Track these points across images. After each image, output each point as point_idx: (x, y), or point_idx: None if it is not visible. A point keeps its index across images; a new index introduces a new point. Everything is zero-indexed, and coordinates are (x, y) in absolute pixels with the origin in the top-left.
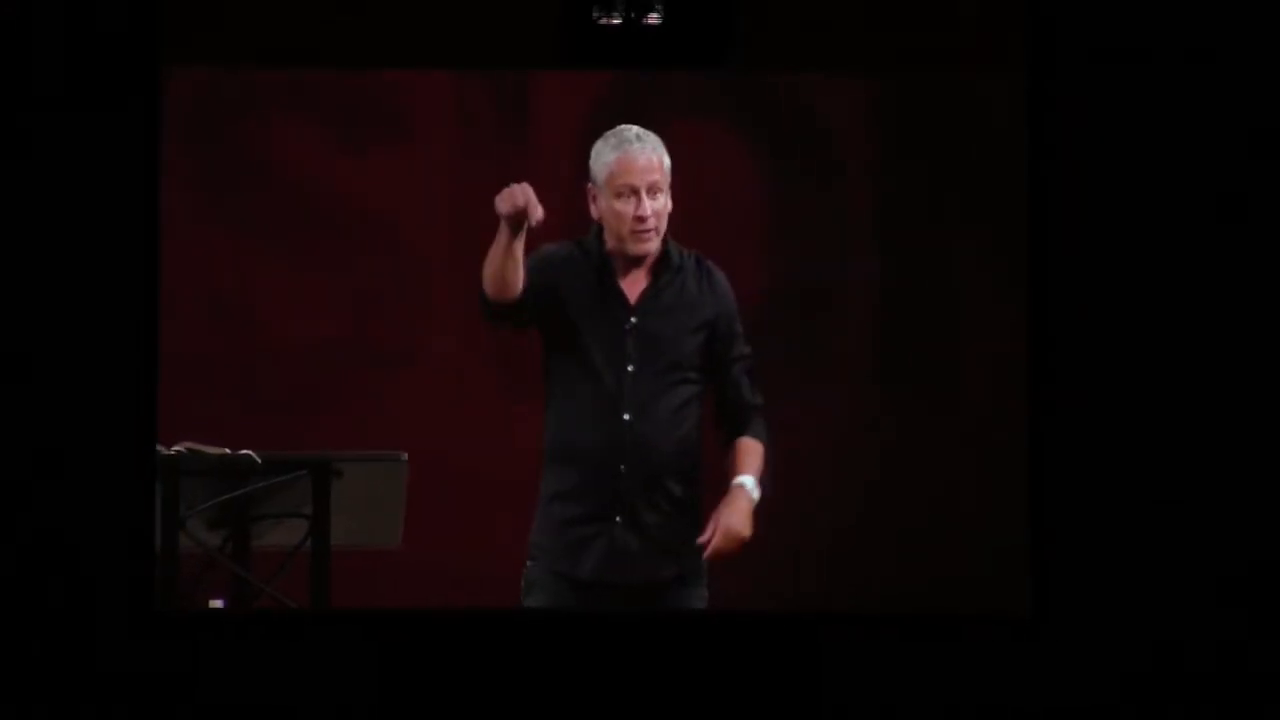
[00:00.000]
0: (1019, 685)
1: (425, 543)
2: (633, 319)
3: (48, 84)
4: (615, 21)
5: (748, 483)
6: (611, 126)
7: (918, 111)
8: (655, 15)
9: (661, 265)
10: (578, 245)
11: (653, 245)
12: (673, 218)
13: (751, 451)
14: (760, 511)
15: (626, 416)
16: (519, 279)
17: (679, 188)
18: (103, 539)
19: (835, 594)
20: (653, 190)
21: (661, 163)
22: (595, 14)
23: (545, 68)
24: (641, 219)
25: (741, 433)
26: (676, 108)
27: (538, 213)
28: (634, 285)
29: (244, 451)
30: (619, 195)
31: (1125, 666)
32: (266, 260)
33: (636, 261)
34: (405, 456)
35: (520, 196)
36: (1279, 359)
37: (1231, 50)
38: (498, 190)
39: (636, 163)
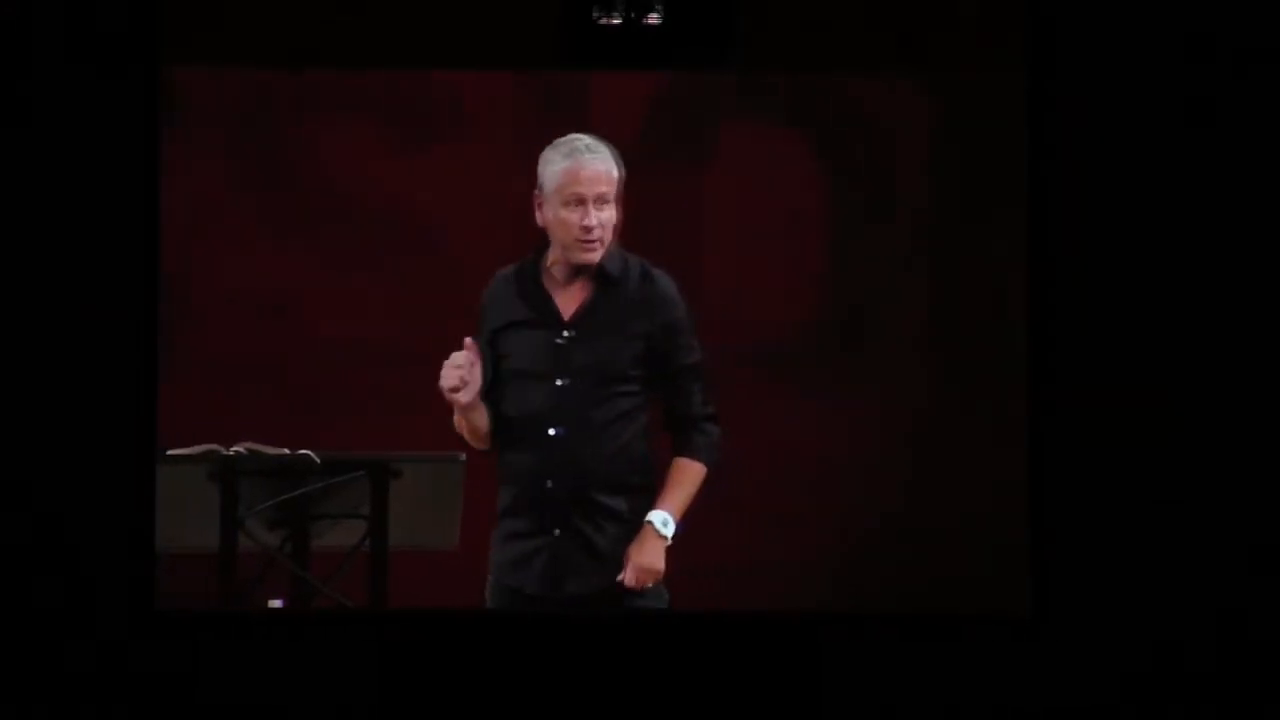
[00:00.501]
0: (1019, 685)
1: (471, 544)
2: (565, 333)
3: (47, 82)
4: (615, 21)
5: (657, 519)
6: (667, 128)
7: (972, 113)
8: (655, 15)
9: (600, 278)
10: (520, 265)
11: (596, 256)
12: (720, 215)
13: (681, 478)
14: (761, 512)
15: (552, 431)
16: (487, 427)
17: (732, 186)
18: (103, 539)
19: (835, 594)
20: (600, 201)
21: (610, 174)
22: (595, 14)
23: (545, 68)
24: (587, 229)
25: (681, 450)
26: (729, 109)
27: (472, 390)
28: (572, 299)
29: (303, 451)
30: (566, 204)
31: (1125, 666)
32: (319, 261)
33: (577, 274)
34: (463, 457)
35: (454, 375)
36: (1278, 359)
37: (1231, 49)
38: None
39: (585, 172)
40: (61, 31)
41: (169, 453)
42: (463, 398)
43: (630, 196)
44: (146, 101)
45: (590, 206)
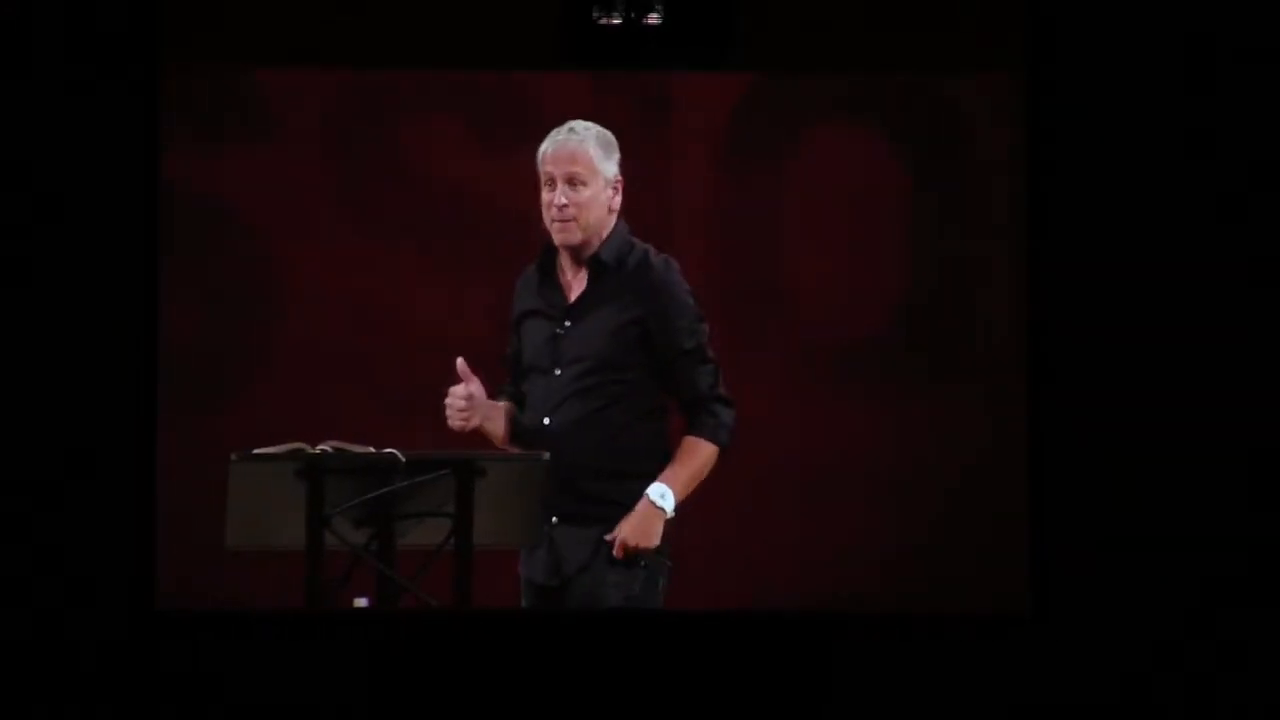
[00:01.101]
0: (1019, 685)
1: None
2: (566, 322)
3: (47, 82)
4: (615, 21)
5: (654, 492)
6: (751, 127)
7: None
8: (655, 15)
9: (595, 266)
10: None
11: (572, 236)
12: (807, 216)
13: (684, 454)
14: (763, 510)
15: (546, 420)
16: (502, 432)
17: (813, 187)
18: (103, 539)
19: (836, 594)
20: (572, 180)
21: (584, 154)
22: (595, 14)
23: (545, 68)
24: (557, 208)
25: (688, 429)
26: (814, 109)
27: (480, 413)
28: (577, 287)
29: (388, 450)
30: (543, 185)
31: (1125, 665)
32: (408, 262)
33: (579, 263)
34: (547, 456)
35: (458, 419)
36: (1277, 358)
37: (1231, 50)
38: (637, 192)
39: (557, 152)
40: (61, 31)
41: (255, 451)
42: (472, 425)
43: (713, 196)
44: (146, 101)
45: (560, 185)
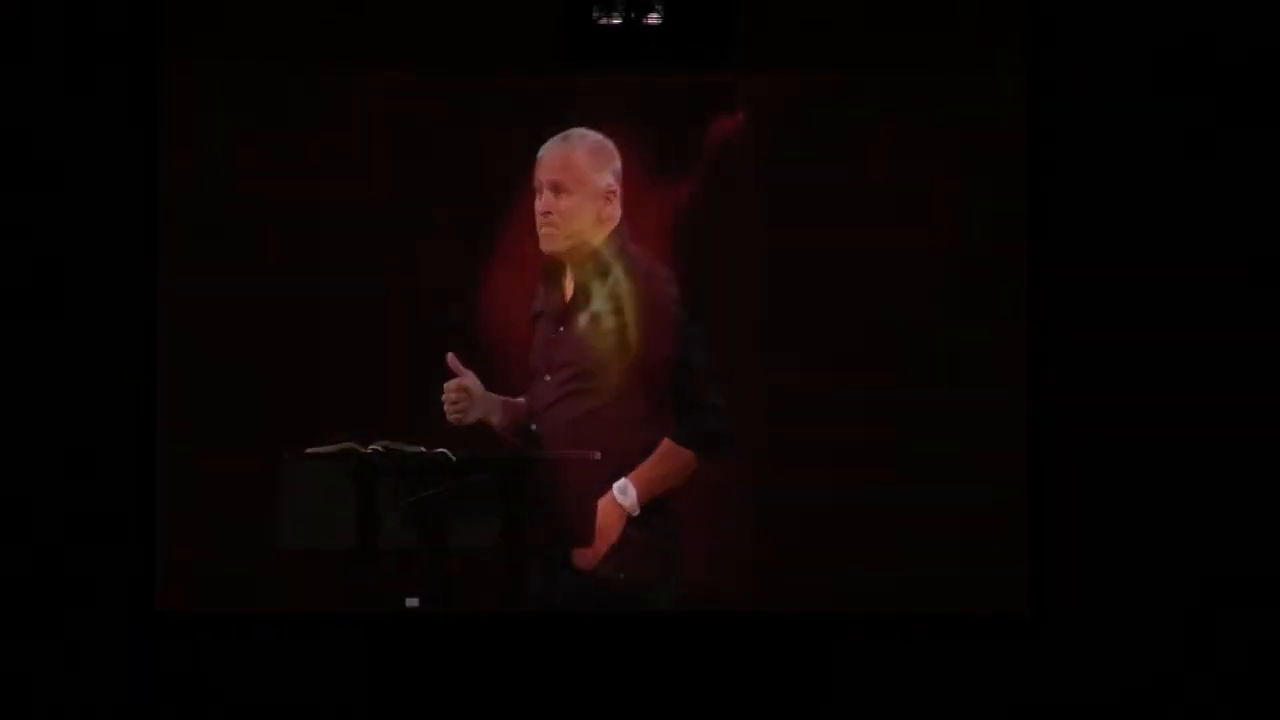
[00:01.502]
0: (1019, 685)
1: None
2: (560, 327)
3: (47, 82)
4: (615, 21)
5: (616, 486)
6: (795, 132)
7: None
8: (655, 15)
9: (583, 272)
10: None
11: (553, 243)
12: (846, 214)
13: (656, 456)
14: (763, 510)
15: (533, 427)
16: (498, 425)
17: (851, 188)
18: (103, 539)
19: (836, 594)
20: (556, 188)
21: (570, 162)
22: (595, 14)
23: (545, 68)
24: (541, 215)
25: (672, 434)
26: (854, 110)
27: (475, 409)
28: (570, 293)
29: (439, 450)
30: (535, 191)
31: (1125, 665)
32: (470, 262)
33: (574, 268)
34: (598, 455)
35: (453, 414)
36: (1276, 359)
37: (1231, 50)
38: (680, 193)
39: (547, 159)
40: (61, 31)
41: (308, 450)
42: (469, 419)
43: (766, 199)
44: (146, 101)
45: (545, 191)
